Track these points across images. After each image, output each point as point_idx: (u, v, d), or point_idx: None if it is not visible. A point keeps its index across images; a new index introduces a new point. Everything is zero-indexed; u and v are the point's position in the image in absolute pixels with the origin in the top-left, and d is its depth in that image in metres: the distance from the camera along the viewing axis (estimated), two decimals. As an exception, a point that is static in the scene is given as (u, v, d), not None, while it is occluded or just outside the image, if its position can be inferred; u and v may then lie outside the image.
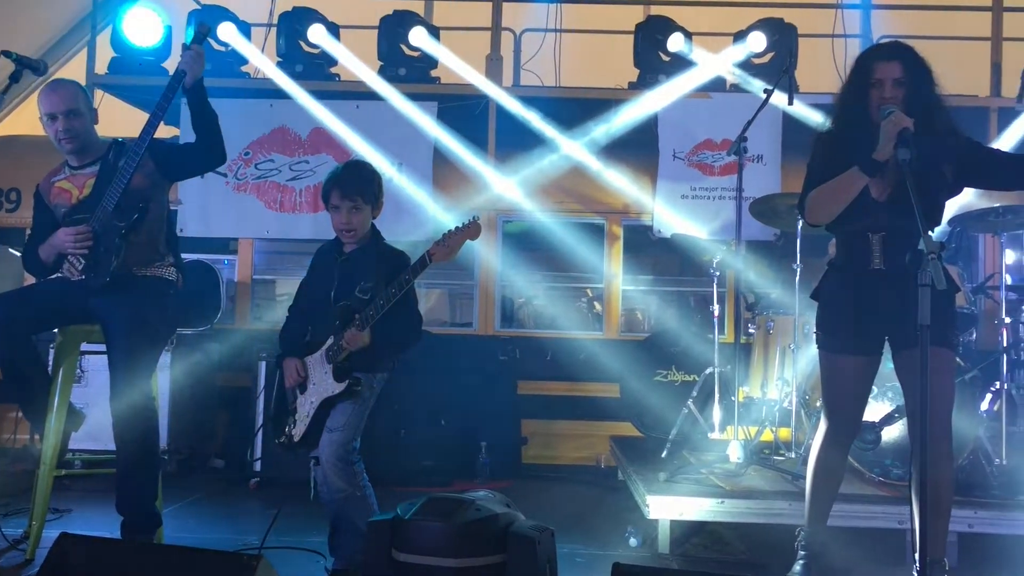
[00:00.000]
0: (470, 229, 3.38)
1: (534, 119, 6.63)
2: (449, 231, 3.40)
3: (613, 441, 6.14)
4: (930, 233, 3.42)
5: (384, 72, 6.83)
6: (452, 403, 6.10)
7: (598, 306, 5.86)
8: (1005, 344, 4.98)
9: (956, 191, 3.42)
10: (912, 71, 3.32)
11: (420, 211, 6.55)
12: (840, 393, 3.52)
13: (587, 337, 6.75)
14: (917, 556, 3.31)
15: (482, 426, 6.14)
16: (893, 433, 4.67)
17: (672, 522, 4.37)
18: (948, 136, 3.35)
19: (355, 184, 3.54)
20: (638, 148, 6.83)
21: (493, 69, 6.94)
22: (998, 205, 5.06)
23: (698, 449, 5.44)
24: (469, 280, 6.93)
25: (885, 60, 3.34)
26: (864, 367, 3.48)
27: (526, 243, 6.93)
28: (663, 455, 5.35)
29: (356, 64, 6.76)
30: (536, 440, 6.53)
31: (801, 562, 3.65)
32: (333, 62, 6.94)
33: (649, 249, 7.03)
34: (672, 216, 6.71)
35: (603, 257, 6.86)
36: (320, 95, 6.72)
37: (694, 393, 5.52)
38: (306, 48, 6.90)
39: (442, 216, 6.45)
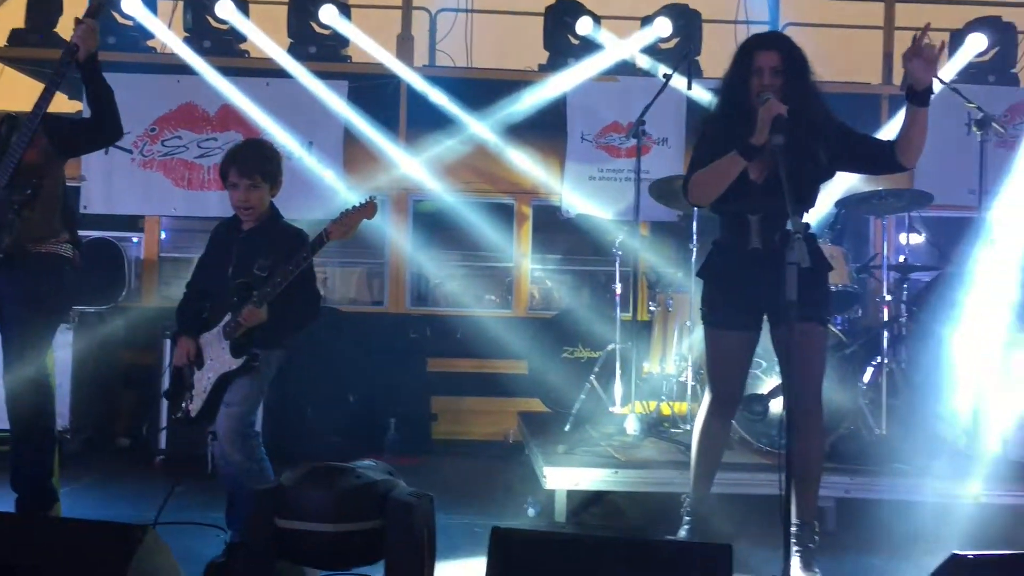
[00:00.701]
0: (366, 208, 3.45)
1: (445, 100, 6.69)
2: (346, 210, 3.47)
3: (520, 416, 6.28)
4: (805, 214, 3.66)
5: (294, 50, 6.80)
6: (362, 381, 6.16)
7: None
8: (886, 320, 5.26)
9: (830, 175, 3.62)
10: (789, 60, 3.49)
11: (330, 191, 6.56)
12: (722, 366, 3.71)
13: (496, 315, 6.88)
14: (791, 519, 3.56)
15: (392, 403, 6.22)
16: (780, 405, 4.89)
17: (570, 493, 4.54)
18: (821, 122, 3.53)
19: (254, 162, 3.58)
20: (547, 130, 6.95)
21: (404, 49, 6.97)
22: (880, 188, 5.33)
23: (600, 423, 5.61)
24: (382, 259, 7.00)
25: (764, 50, 3.51)
26: (745, 341, 3.67)
27: (437, 223, 7.00)
28: (566, 429, 5.50)
29: (265, 41, 6.72)
30: (446, 416, 6.63)
31: (686, 527, 3.84)
32: (242, 38, 6.88)
33: (559, 229, 7.16)
34: (580, 197, 6.86)
35: (512, 237, 6.98)
36: (229, 72, 6.66)
37: (596, 369, 5.68)
38: (214, 24, 6.82)
39: (352, 196, 6.48)
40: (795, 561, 3.48)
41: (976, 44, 7.00)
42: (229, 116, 6.67)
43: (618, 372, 5.62)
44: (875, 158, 3.52)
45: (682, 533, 3.83)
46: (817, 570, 3.47)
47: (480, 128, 6.71)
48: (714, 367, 3.74)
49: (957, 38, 7.13)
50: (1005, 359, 5.52)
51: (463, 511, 4.69)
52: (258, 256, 3.49)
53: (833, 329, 4.93)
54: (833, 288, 5.11)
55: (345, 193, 6.56)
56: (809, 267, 3.46)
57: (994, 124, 4.93)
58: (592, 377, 5.67)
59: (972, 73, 7.11)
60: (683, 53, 5.48)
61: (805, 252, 3.00)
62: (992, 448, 5.18)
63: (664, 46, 7.03)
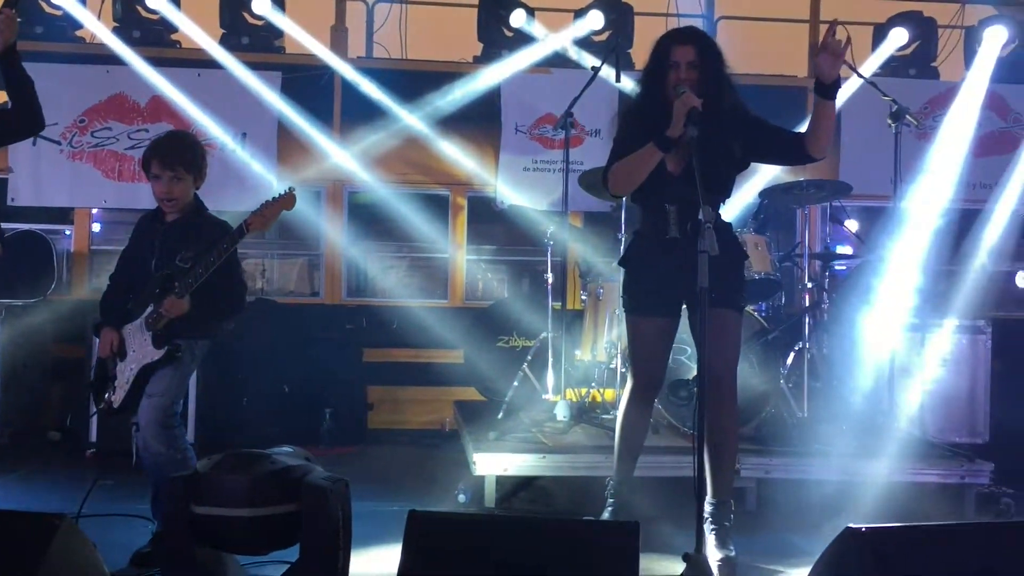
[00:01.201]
0: (286, 200, 3.48)
1: (380, 92, 6.72)
2: (266, 202, 3.50)
3: (456, 405, 6.34)
4: (721, 204, 3.78)
5: (226, 40, 6.77)
6: (298, 371, 6.17)
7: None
8: (807, 307, 5.42)
9: (744, 166, 3.75)
10: (705, 54, 3.60)
11: (263, 183, 6.54)
12: (643, 353, 3.81)
13: (433, 305, 6.93)
14: (707, 500, 3.68)
15: (327, 393, 6.24)
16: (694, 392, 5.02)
17: (500, 478, 4.62)
18: (736, 114, 3.65)
19: (176, 154, 3.59)
20: (482, 121, 7.01)
21: (338, 40, 6.98)
22: (802, 179, 5.49)
23: (533, 410, 5.70)
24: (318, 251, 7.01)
25: (680, 44, 3.61)
26: (664, 328, 3.77)
27: (373, 214, 7.02)
28: (499, 416, 5.58)
29: (196, 32, 6.68)
30: (383, 406, 6.68)
31: (609, 509, 3.94)
32: (173, 28, 6.82)
33: (494, 220, 7.23)
34: (515, 188, 6.94)
35: (448, 228, 7.03)
36: (160, 62, 6.60)
37: (529, 357, 5.77)
38: (144, 13, 6.75)
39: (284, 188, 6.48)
40: (710, 539, 3.60)
41: (898, 38, 7.21)
42: (160, 107, 6.62)
43: (550, 360, 5.71)
44: (787, 150, 3.65)
45: (605, 515, 3.93)
46: (732, 547, 3.59)
47: (415, 120, 6.74)
48: (635, 353, 3.84)
49: (880, 32, 7.35)
50: (914, 342, 5.76)
51: (396, 499, 4.74)
52: (181, 247, 3.50)
53: (755, 316, 5.09)
54: (756, 276, 5.29)
55: (278, 185, 6.56)
56: (724, 255, 3.62)
57: (908, 116, 5.09)
58: (525, 366, 5.76)
59: (894, 67, 7.34)
60: (611, 46, 5.56)
61: (715, 241, 3.11)
62: (905, 427, 5.40)
63: (597, 39, 7.12)
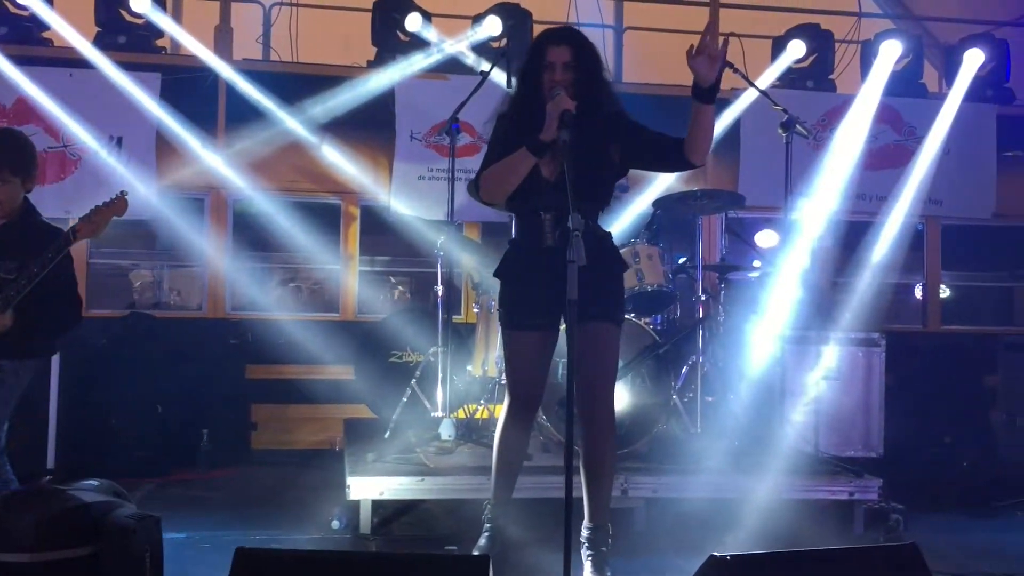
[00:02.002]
0: (116, 205, 3.20)
1: (267, 95, 6.42)
2: (96, 207, 3.21)
3: (345, 424, 6.07)
4: (601, 212, 3.61)
5: (101, 39, 6.39)
6: (173, 390, 5.82)
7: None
8: (701, 319, 5.31)
9: (623, 172, 3.58)
10: (581, 55, 3.43)
11: (139, 191, 6.16)
12: (520, 368, 3.61)
13: (323, 319, 6.65)
14: (584, 524, 3.49)
15: (205, 413, 5.92)
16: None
17: (379, 503, 4.38)
18: (614, 118, 3.49)
19: (1, 155, 3.26)
20: (376, 128, 6.78)
21: (223, 41, 6.66)
22: (696, 189, 5.38)
23: (420, 429, 5.46)
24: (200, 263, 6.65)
25: (556, 44, 3.44)
26: (541, 341, 3.58)
27: (259, 224, 6.69)
28: (386, 436, 5.33)
29: (68, 30, 6.28)
30: (269, 425, 6.37)
31: (486, 535, 3.72)
32: (45, 26, 6.42)
33: (388, 230, 6.98)
34: (409, 197, 6.71)
35: (339, 238, 6.76)
36: (28, 61, 6.20)
37: (417, 373, 5.54)
38: (13, 9, 6.35)
39: (164, 196, 6.15)
40: (587, 565, 3.42)
41: (795, 51, 7.22)
42: (26, 109, 6.21)
43: (440, 376, 5.48)
44: (666, 156, 3.49)
45: (482, 542, 3.71)
46: (609, 574, 3.40)
47: (304, 126, 6.46)
48: (512, 369, 3.64)
49: (778, 45, 7.35)
50: (807, 355, 5.71)
51: (265, 525, 4.46)
52: (5, 256, 3.18)
53: (647, 329, 4.94)
54: (648, 288, 5.16)
55: (156, 193, 6.21)
56: (602, 266, 3.46)
57: (799, 126, 5.03)
58: (413, 382, 5.53)
59: (792, 79, 7.35)
60: (502, 51, 5.39)
61: (582, 250, 2.93)
62: (797, 443, 5.32)
63: (496, 45, 6.96)
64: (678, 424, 5.17)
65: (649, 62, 8.19)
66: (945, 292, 9.09)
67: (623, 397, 4.85)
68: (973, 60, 7.28)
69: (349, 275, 6.76)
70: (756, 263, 7.51)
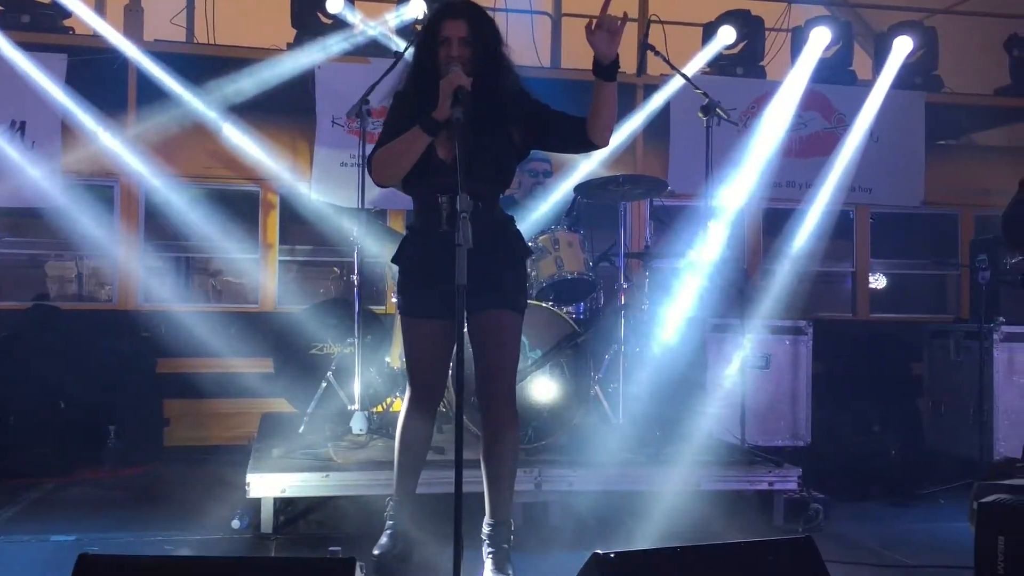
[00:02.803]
0: None
1: (179, 79, 6.17)
2: None
3: (262, 419, 5.87)
4: (502, 194, 3.46)
5: (3, 19, 6.10)
6: (77, 385, 5.57)
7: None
8: (622, 308, 5.19)
9: (524, 153, 3.44)
10: (478, 30, 3.28)
11: (44, 179, 5.89)
12: (418, 358, 3.46)
13: (242, 310, 6.44)
14: (485, 519, 3.35)
15: (113, 409, 5.68)
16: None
17: (286, 501, 4.20)
18: (515, 97, 3.34)
19: None
20: (296, 113, 6.57)
21: (132, 21, 6.39)
22: (619, 175, 5.25)
23: (338, 423, 5.28)
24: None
25: (452, 18, 3.29)
26: (441, 330, 3.41)
27: (173, 212, 6.43)
28: (300, 431, 5.15)
29: (-34, 8, 5.99)
30: (182, 421, 6.15)
31: (387, 533, 3.57)
32: (-60, 3, 6.11)
33: (309, 218, 6.77)
34: (331, 183, 6.51)
35: (258, 227, 6.54)
36: (-80, 40, 5.89)
37: (332, 367, 5.36)
38: (-94, -14, 6.03)
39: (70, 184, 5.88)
40: (487, 563, 3.28)
41: (725, 36, 7.14)
42: (-82, 93, 5.90)
43: (357, 369, 5.30)
44: (568, 136, 3.35)
45: (383, 540, 3.56)
46: (510, 571, 3.27)
47: (219, 111, 6.22)
48: (411, 359, 3.49)
49: (709, 30, 7.27)
50: (733, 344, 5.63)
51: (164, 526, 4.27)
52: None
53: (565, 318, 4.81)
54: (568, 276, 5.03)
55: (61, 181, 5.95)
56: (502, 251, 3.33)
57: (718, 111, 4.93)
58: (329, 374, 5.34)
59: (722, 65, 7.27)
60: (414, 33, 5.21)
61: (469, 233, 2.78)
62: (720, 433, 5.24)
63: (419, 28, 6.76)
64: (599, 415, 5.04)
65: (588, 49, 8.05)
66: (882, 282, 9.15)
67: (541, 388, 4.73)
68: (902, 47, 7.26)
69: (268, 265, 6.55)
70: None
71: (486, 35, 3.29)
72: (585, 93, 6.29)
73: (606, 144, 3.34)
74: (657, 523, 4.15)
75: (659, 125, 6.98)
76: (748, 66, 7.27)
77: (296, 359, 6.05)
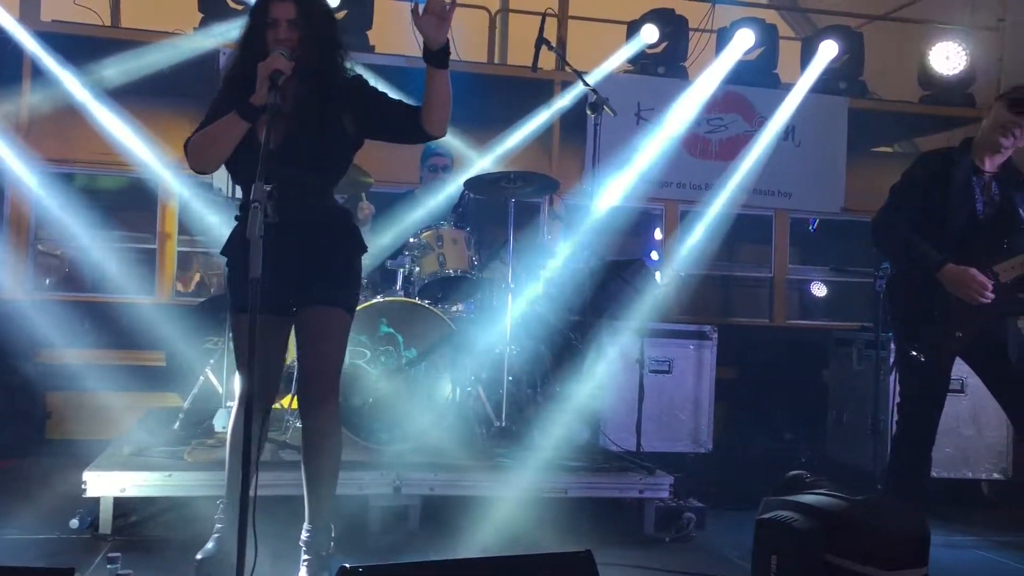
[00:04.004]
0: None
1: (75, 63, 5.97)
2: None
3: (147, 414, 5.69)
4: (329, 186, 3.31)
5: None
6: (-51, 376, 5.39)
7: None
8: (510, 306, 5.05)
9: (357, 143, 3.29)
10: (307, 13, 3.14)
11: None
12: (246, 355, 3.30)
13: (136, 301, 6.23)
14: (304, 525, 3.21)
15: (-12, 400, 5.48)
16: (381, 395, 4.56)
17: (130, 501, 4.04)
18: (347, 84, 3.20)
19: None
20: (200, 99, 6.33)
21: (29, 2, 6.19)
22: (511, 171, 5.12)
23: (212, 419, 5.12)
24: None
25: (280, 0, 3.13)
26: (271, 326, 3.26)
27: (68, 197, 6.23)
28: (175, 426, 4.99)
29: None
30: (66, 414, 5.97)
31: (215, 536, 3.42)
32: None
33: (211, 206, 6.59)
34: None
35: (157, 213, 6.36)
36: None
37: (211, 361, 5.19)
38: None
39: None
40: (302, 570, 3.14)
41: (648, 35, 7.02)
42: None
43: (224, 364, 5.13)
44: (402, 125, 3.21)
45: (209, 545, 3.40)
46: (326, 581, 3.13)
47: (118, 95, 6.02)
48: (241, 355, 3.33)
49: (633, 28, 7.15)
50: (631, 346, 5.52)
51: (7, 523, 4.08)
52: None
53: (442, 316, 4.67)
54: (451, 274, 4.90)
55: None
56: (332, 245, 3.19)
57: (606, 107, 4.80)
58: (208, 369, 5.18)
59: (644, 64, 7.16)
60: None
61: (259, 224, 2.64)
62: (602, 438, 5.12)
63: (339, 16, 6.61)
64: (479, 417, 4.91)
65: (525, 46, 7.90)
66: (823, 289, 9.07)
67: (414, 388, 4.59)
68: (827, 52, 7.18)
69: (165, 254, 6.36)
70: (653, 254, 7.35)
71: (316, 18, 3.15)
72: (521, 89, 6.17)
73: (442, 134, 3.20)
74: (515, 529, 4.03)
75: (576, 122, 6.85)
76: (670, 65, 7.15)
77: (189, 352, 5.86)
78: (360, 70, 6.05)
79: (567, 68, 5.31)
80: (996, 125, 3.75)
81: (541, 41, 5.10)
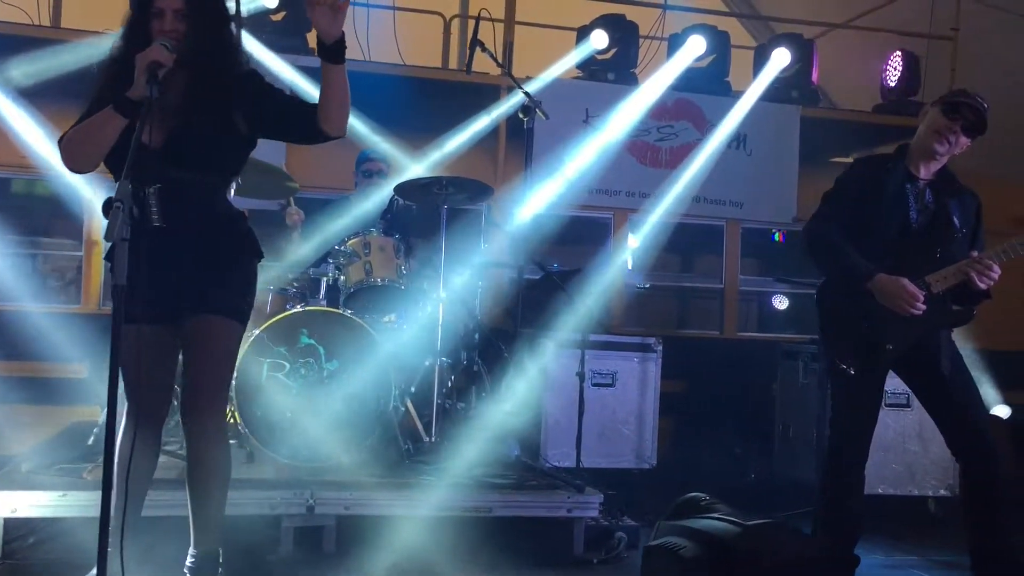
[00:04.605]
0: None
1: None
2: None
3: (69, 428, 5.44)
4: (220, 187, 3.12)
5: None
6: None
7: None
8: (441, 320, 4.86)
9: (250, 142, 3.10)
10: (196, 4, 2.94)
11: None
12: (132, 369, 3.09)
13: (57, 311, 5.98)
14: (189, 550, 3.00)
15: None
16: (301, 409, 4.36)
17: (14, 521, 3.79)
18: (241, 80, 3.01)
19: None
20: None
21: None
22: (443, 176, 4.95)
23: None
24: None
25: (166, -11, 2.94)
26: (158, 337, 3.06)
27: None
28: (89, 442, 4.74)
29: None
30: (-22, 429, 5.67)
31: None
32: None
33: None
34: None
35: (85, 222, 6.12)
36: None
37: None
38: None
39: None
40: (187, 601, 2.93)
41: (598, 41, 6.87)
42: None
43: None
44: (297, 124, 3.02)
45: (94, 571, 3.16)
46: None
47: (29, 95, 5.75)
48: (128, 370, 3.11)
49: (583, 33, 7.00)
50: (572, 359, 5.34)
51: None
52: None
53: (364, 326, 4.47)
54: (377, 283, 4.72)
55: None
56: (221, 250, 3.00)
57: (538, 111, 4.64)
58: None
59: (594, 69, 7.02)
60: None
61: (118, 226, 2.43)
62: (531, 454, 4.94)
63: (274, 18, 6.44)
64: (409, 432, 4.71)
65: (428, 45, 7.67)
66: (785, 302, 8.93)
67: (335, 402, 4.39)
68: (779, 59, 7.06)
69: (92, 262, 6.12)
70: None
71: (205, 10, 2.95)
72: (467, 95, 5.92)
73: (341, 134, 3.01)
74: (434, 551, 3.84)
75: (523, 128, 6.67)
76: (620, 72, 7.00)
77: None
78: (298, 73, 6.05)
79: (502, 71, 5.12)
80: (931, 131, 3.61)
81: (475, 43, 4.93)
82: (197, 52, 2.90)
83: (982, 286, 3.42)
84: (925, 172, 3.67)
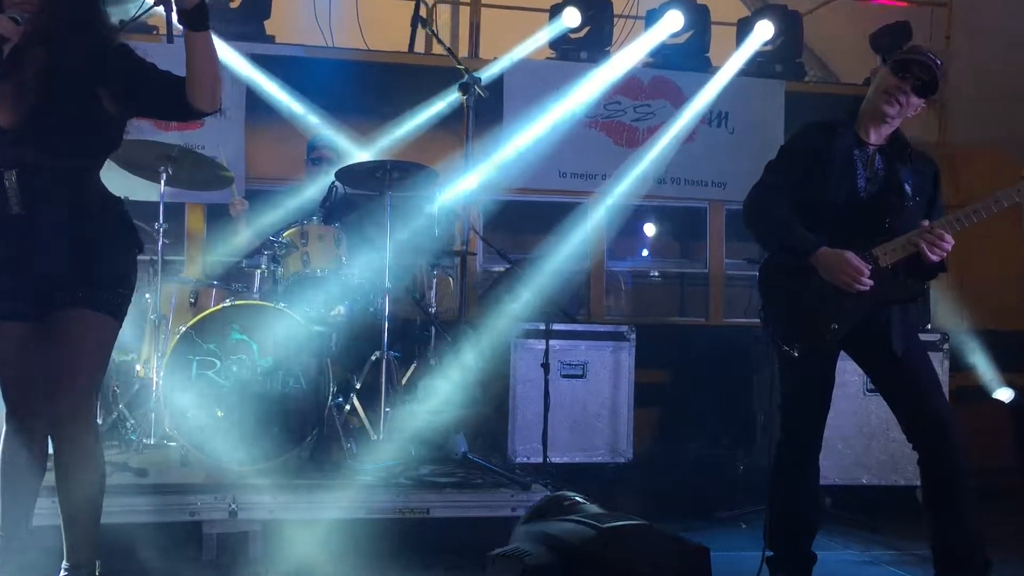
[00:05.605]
0: None
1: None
2: None
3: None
4: (86, 171, 2.92)
5: None
6: None
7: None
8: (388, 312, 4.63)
9: (118, 122, 2.89)
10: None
11: None
12: (4, 366, 2.89)
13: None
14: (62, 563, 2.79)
15: None
16: (232, 409, 4.15)
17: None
18: (102, 55, 2.79)
19: None
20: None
21: None
22: (386, 160, 4.72)
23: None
24: None
25: (30, -41, 2.73)
26: (24, 334, 2.84)
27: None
28: None
29: None
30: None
31: (-13, 571, 3.00)
32: None
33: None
34: (119, 176, 5.91)
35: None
36: None
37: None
38: None
39: None
40: (54, 617, 2.72)
41: (570, 19, 6.61)
42: None
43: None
44: (165, 100, 2.81)
45: (-19, 581, 2.98)
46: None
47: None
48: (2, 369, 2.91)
49: (555, 12, 6.74)
50: (538, 350, 5.12)
51: None
52: None
53: (300, 320, 4.26)
54: (317, 273, 4.50)
55: None
56: (97, 239, 2.79)
57: (477, 89, 4.40)
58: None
59: (566, 49, 6.75)
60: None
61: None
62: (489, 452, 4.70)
63: (234, 5, 6.24)
64: (354, 430, 4.49)
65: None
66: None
67: (269, 401, 4.18)
68: (761, 32, 6.75)
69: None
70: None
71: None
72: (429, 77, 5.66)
73: (214, 108, 2.80)
74: (370, 555, 3.63)
75: (492, 107, 6.40)
76: (593, 51, 6.73)
77: None
78: (257, 61, 5.85)
79: (442, 49, 4.86)
80: (880, 91, 3.32)
81: (417, 20, 4.70)
82: (53, 27, 2.69)
83: (934, 258, 3.12)
84: (876, 137, 3.37)
